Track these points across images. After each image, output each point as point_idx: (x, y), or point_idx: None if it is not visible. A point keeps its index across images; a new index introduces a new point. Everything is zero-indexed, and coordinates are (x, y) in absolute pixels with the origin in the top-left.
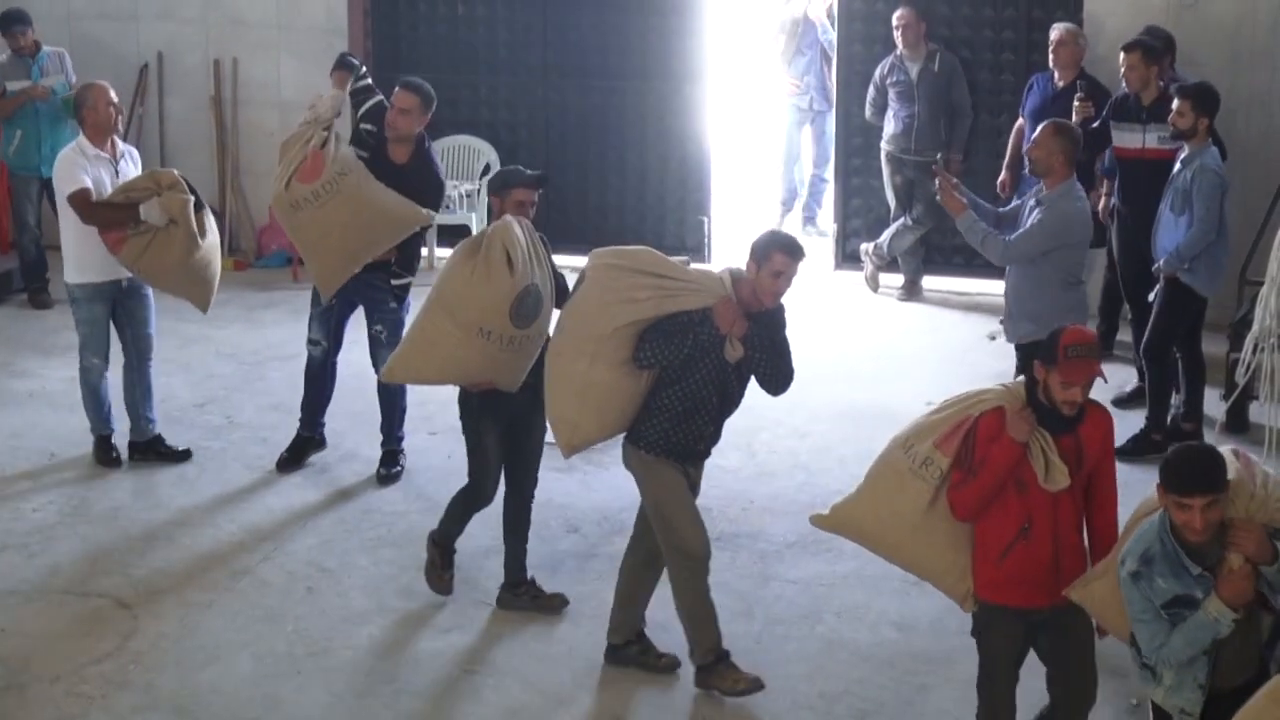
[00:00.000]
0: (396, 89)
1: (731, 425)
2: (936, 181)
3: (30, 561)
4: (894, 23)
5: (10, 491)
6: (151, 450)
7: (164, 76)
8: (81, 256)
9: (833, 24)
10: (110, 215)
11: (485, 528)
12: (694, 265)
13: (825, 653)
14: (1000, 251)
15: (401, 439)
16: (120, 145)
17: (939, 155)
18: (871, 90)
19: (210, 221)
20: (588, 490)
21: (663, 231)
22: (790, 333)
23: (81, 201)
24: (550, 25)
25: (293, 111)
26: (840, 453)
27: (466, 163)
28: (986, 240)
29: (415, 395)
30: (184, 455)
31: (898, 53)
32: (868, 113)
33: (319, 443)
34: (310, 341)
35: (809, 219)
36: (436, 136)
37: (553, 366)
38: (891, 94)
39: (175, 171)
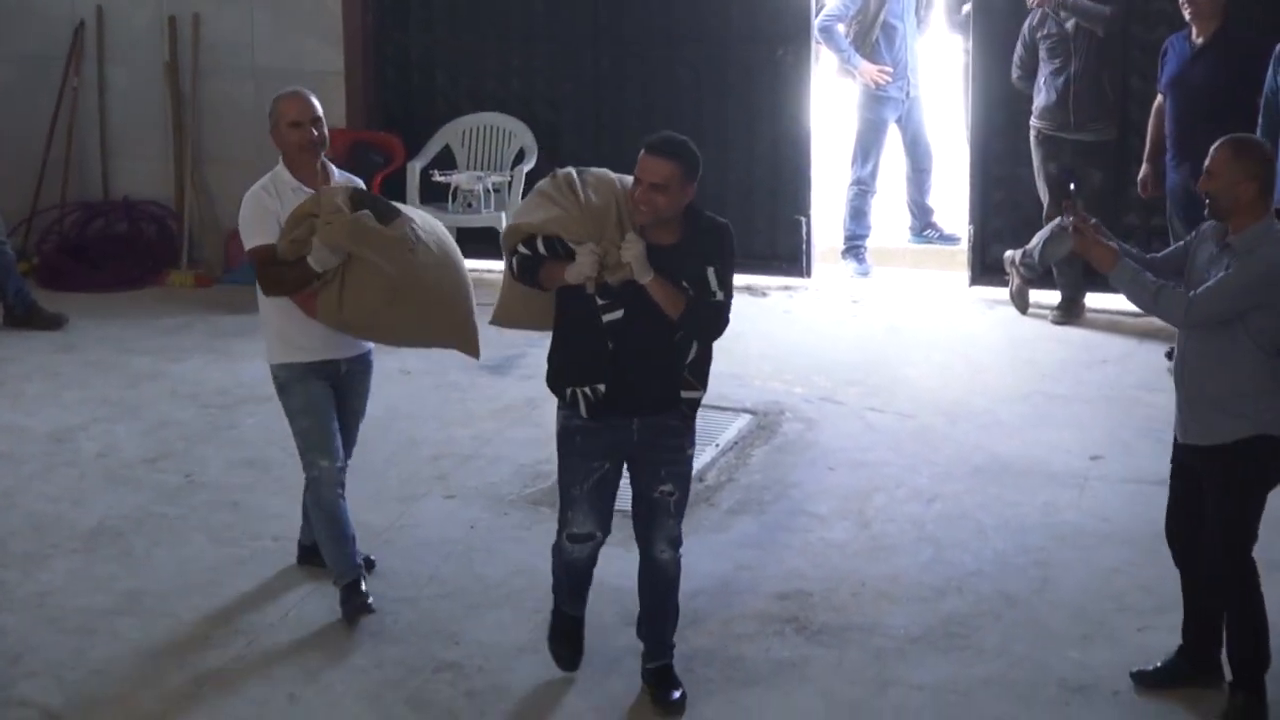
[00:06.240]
0: (641, 153)
1: (838, 486)
2: (1068, 220)
3: None
4: None
5: None
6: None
7: (104, 38)
8: (285, 328)
9: None
10: (295, 277)
11: (520, 616)
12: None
13: None
14: (1183, 310)
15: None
16: (335, 173)
17: (1070, 187)
18: (1019, 48)
19: (419, 227)
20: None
21: (750, 234)
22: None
23: (260, 261)
24: None
25: (270, 82)
26: (978, 521)
27: (494, 148)
28: (1161, 295)
29: (429, 448)
30: (363, 609)
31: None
32: (1014, 76)
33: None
34: (571, 538)
35: (926, 224)
36: (455, 115)
37: None
38: (1042, 51)
39: (342, 186)
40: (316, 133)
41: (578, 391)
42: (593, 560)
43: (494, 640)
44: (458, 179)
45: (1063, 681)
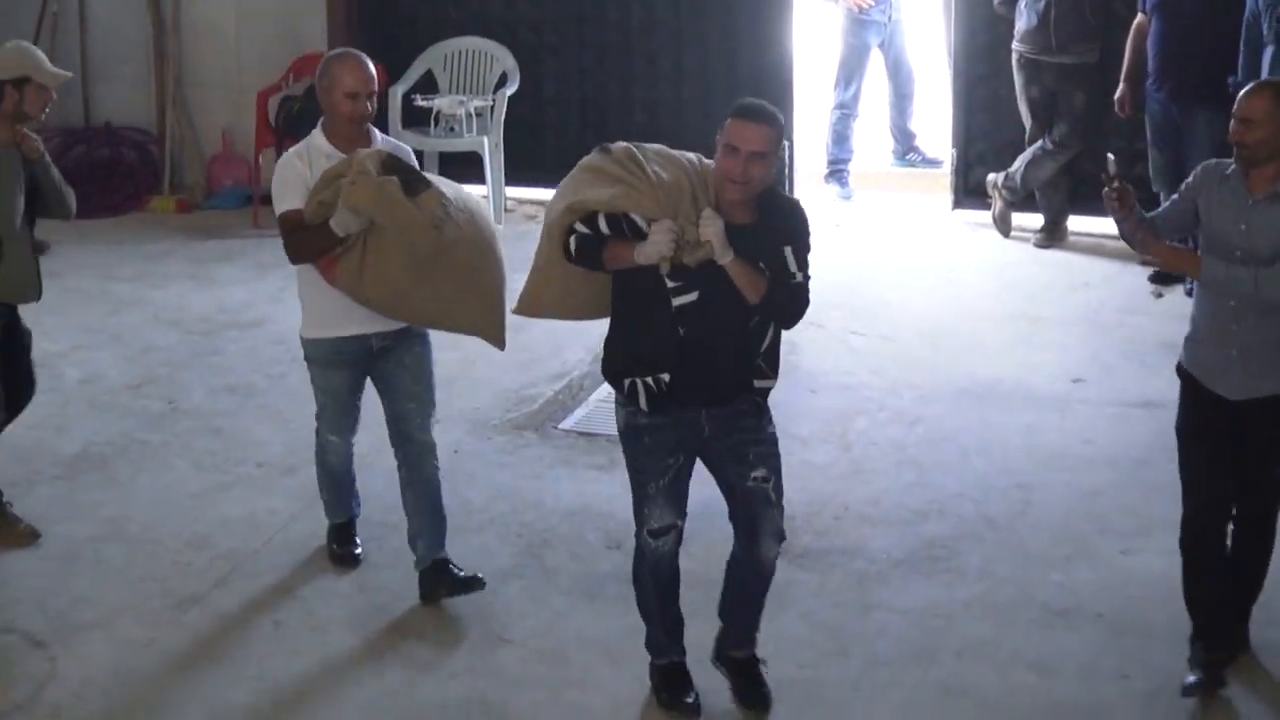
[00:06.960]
0: (731, 121)
1: (821, 409)
2: (1106, 191)
3: None
4: None
5: None
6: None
7: None
8: (313, 298)
9: None
10: (317, 241)
11: (504, 540)
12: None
13: (942, 703)
14: (1262, 284)
15: None
16: (378, 138)
17: (1110, 155)
18: None
19: (450, 202)
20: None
21: None
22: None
23: (286, 227)
24: None
25: (252, 6)
26: (961, 443)
27: (476, 72)
28: (1261, 279)
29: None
30: (475, 583)
31: None
32: (995, 0)
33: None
34: (653, 533)
35: (909, 148)
36: (437, 39)
37: None
38: None
39: (377, 150)
40: (371, 107)
41: (638, 382)
42: (677, 554)
43: (478, 564)
44: (440, 103)
45: (1045, 604)
